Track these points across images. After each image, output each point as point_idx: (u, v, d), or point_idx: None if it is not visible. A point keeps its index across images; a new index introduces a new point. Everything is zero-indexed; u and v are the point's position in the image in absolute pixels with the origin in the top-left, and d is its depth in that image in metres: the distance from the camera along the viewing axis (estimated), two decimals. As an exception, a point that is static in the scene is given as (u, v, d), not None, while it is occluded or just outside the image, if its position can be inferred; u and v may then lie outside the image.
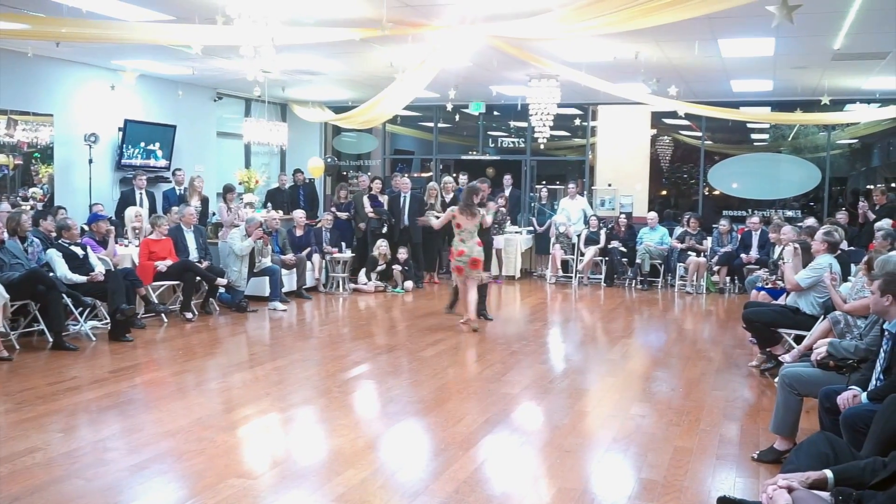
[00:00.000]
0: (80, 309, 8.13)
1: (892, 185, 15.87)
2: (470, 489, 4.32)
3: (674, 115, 13.40)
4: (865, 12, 7.69)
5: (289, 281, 11.24)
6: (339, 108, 15.05)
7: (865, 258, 5.98)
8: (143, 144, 12.58)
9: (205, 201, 12.15)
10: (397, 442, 5.27)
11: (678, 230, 13.20)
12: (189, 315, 9.45)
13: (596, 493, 4.38)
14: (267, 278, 10.54)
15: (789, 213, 14.11)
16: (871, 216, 11.21)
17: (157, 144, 12.80)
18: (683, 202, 16.46)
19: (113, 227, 9.73)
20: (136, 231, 10.26)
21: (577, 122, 15.99)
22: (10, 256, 7.84)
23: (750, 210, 14.47)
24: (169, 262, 9.46)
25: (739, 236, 12.43)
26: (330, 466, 4.67)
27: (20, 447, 4.93)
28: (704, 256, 12.55)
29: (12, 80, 10.73)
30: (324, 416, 5.81)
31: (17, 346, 7.64)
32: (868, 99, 13.30)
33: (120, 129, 12.24)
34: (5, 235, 7.95)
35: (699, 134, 15.19)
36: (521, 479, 4.60)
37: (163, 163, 12.91)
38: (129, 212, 10.44)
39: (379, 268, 12.14)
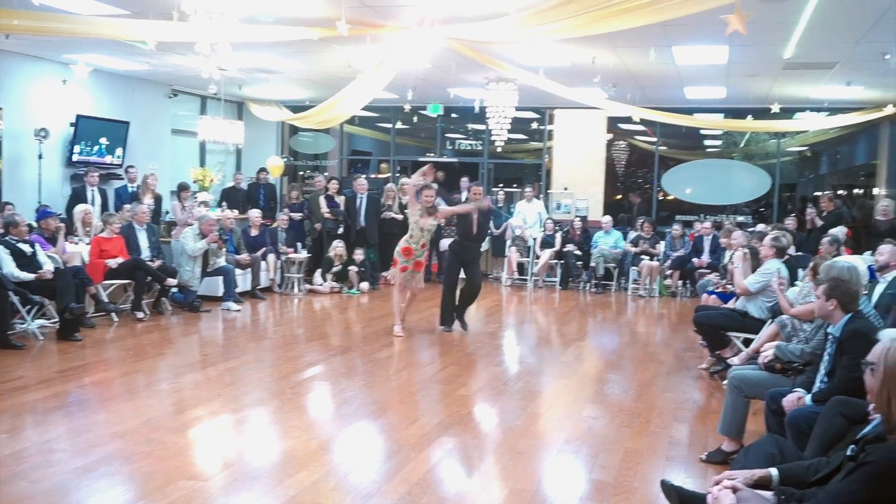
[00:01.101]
0: (28, 307, 7.95)
1: (840, 192, 16.26)
2: (422, 490, 4.32)
3: (629, 120, 13.57)
4: (815, 22, 7.88)
5: (243, 281, 11.13)
6: (297, 108, 14.95)
7: (811, 263, 6.12)
8: (96, 141, 12.35)
9: (158, 199, 11.97)
10: (350, 443, 5.25)
11: (632, 234, 13.37)
12: (140, 315, 9.31)
13: (548, 494, 4.41)
14: (221, 278, 10.43)
15: (740, 219, 14.36)
16: (819, 223, 11.48)
17: (110, 141, 12.56)
18: (639, 206, 16.68)
19: (63, 225, 9.54)
20: (87, 229, 10.07)
21: (535, 125, 16.10)
22: (-46, 253, 7.66)
23: (702, 215, 14.71)
24: (120, 260, 9.31)
25: (692, 241, 12.63)
26: (282, 468, 4.64)
27: (-38, 449, 4.81)
28: (657, 260, 12.72)
29: (-41, 73, 10.47)
30: (276, 418, 5.76)
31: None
32: (817, 108, 13.61)
33: (72, 125, 12.00)
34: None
35: (654, 139, 15.40)
36: (473, 480, 4.62)
37: (115, 160, 12.69)
38: (78, 209, 10.24)
39: (335, 269, 12.08)
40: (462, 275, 9.27)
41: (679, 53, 9.70)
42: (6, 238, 8.23)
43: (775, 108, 12.17)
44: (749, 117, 13.40)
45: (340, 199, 12.91)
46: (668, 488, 3.13)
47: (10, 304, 7.71)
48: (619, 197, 16.72)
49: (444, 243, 12.71)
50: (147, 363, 7.42)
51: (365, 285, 12.13)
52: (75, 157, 12.05)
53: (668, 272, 12.63)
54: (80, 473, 4.41)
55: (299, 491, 4.24)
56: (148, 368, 7.21)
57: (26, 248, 8.26)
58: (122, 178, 12.48)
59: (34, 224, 9.46)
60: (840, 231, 9.90)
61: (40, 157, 11.45)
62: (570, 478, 4.73)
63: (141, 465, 4.57)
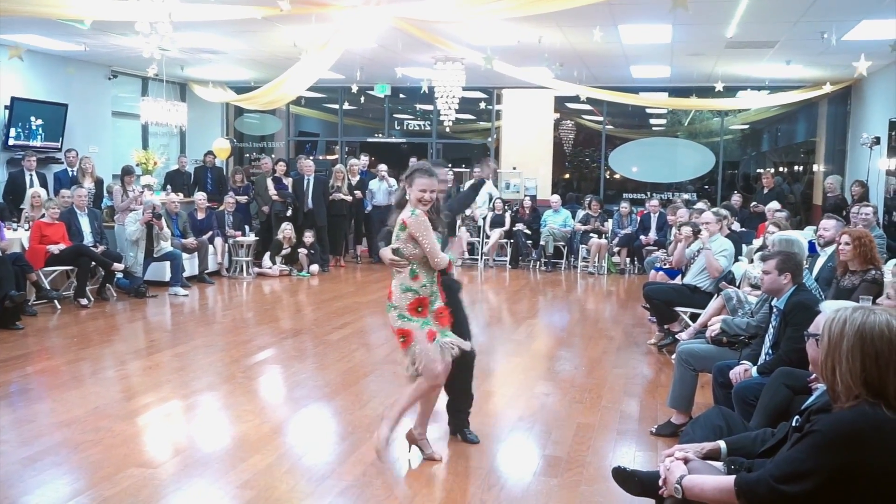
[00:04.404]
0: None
1: (780, 169, 16.63)
2: (377, 471, 4.32)
3: (576, 99, 13.64)
4: (757, 2, 7.99)
5: (190, 265, 10.96)
6: (242, 89, 14.70)
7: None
8: (33, 124, 11.98)
9: (99, 183, 11.69)
10: (304, 426, 5.22)
11: (580, 213, 13.49)
12: (84, 301, 9.10)
13: (502, 471, 4.45)
14: (168, 263, 10.25)
15: (685, 196, 14.59)
16: (761, 207, 11.67)
17: (47, 124, 12.20)
18: (585, 185, 16.86)
19: (1, 210, 9.26)
20: (38, 213, 9.74)
21: (483, 105, 16.10)
22: None
23: (648, 193, 14.91)
24: (62, 247, 9.08)
25: (639, 219, 12.79)
26: (234, 453, 4.59)
27: None
28: (606, 238, 12.87)
29: None
30: (228, 403, 5.69)
31: None
32: (758, 86, 13.85)
33: (6, 108, 11.62)
34: None
35: (601, 119, 15.53)
36: (427, 459, 4.63)
37: (54, 143, 12.33)
38: (30, 193, 9.93)
39: (284, 251, 11.96)
40: None
41: (625, 32, 9.77)
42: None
43: (719, 87, 12.35)
44: (693, 96, 13.57)
45: (288, 182, 12.77)
46: (624, 475, 3.15)
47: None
48: (567, 176, 16.85)
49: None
50: (92, 350, 7.26)
51: (315, 268, 12.03)
52: (11, 142, 11.67)
53: (616, 249, 12.78)
54: (25, 464, 4.31)
55: (252, 475, 4.21)
56: (94, 356, 7.06)
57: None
58: (62, 162, 12.15)
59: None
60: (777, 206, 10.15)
61: (-27, 140, 11.07)
62: (523, 454, 4.77)
63: (89, 454, 4.48)
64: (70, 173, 11.71)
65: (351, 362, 6.89)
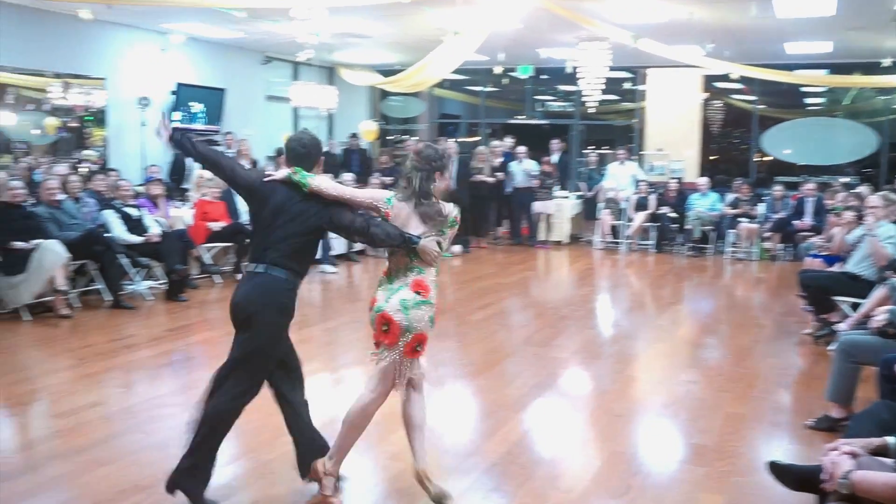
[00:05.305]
0: (137, 269, 8.30)
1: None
2: (521, 451, 4.35)
3: (725, 78, 13.10)
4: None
5: (338, 244, 11.32)
6: (388, 72, 15.00)
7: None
8: (193, 107, 12.70)
9: (253, 164, 12.26)
10: (448, 403, 5.31)
11: (729, 196, 12.98)
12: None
13: (647, 457, 4.39)
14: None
15: (843, 180, 13.74)
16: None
17: (207, 108, 12.89)
18: (734, 167, 16.20)
19: (167, 189, 9.87)
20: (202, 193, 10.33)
21: (628, 85, 15.75)
22: (67, 217, 8.03)
23: (803, 176, 14.15)
24: (223, 224, 9.59)
25: (793, 202, 12.18)
26: (383, 426, 4.71)
27: (82, 402, 5.09)
28: (757, 223, 12.33)
29: (66, 44, 10.88)
30: (375, 377, 5.86)
31: (77, 305, 7.83)
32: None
33: (172, 93, 12.38)
34: (61, 196, 8.14)
35: (752, 98, 14.86)
36: (572, 441, 4.62)
37: (213, 126, 13.03)
38: (195, 173, 10.57)
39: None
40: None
41: (780, 6, 9.27)
42: (114, 203, 8.58)
43: (886, 63, 11.52)
44: (856, 73, 12.73)
45: (431, 163, 12.93)
46: (780, 468, 3.04)
47: (120, 267, 8.07)
48: (715, 158, 16.25)
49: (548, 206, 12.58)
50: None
51: (457, 248, 12.16)
52: (175, 125, 12.42)
53: (768, 234, 12.22)
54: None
55: (401, 448, 4.30)
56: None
57: (133, 212, 8.60)
58: (221, 145, 12.82)
59: (140, 189, 9.81)
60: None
61: (143, 124, 11.86)
62: (669, 441, 4.68)
63: (248, 420, 4.69)
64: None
65: (493, 342, 6.95)
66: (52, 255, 7.33)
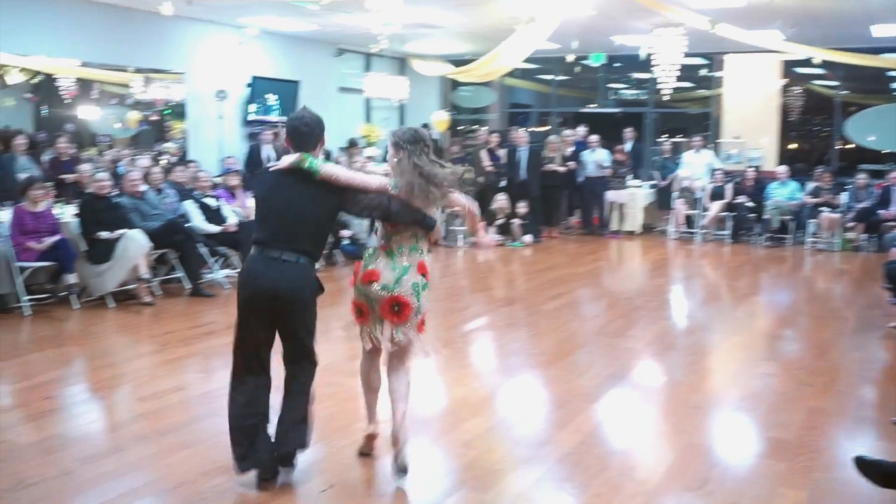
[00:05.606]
0: (215, 258, 8.51)
1: None
2: (595, 441, 4.32)
3: (807, 63, 12.68)
4: None
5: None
6: (458, 62, 15.00)
7: None
8: (269, 100, 12.94)
9: (327, 155, 12.39)
10: (520, 392, 5.31)
11: (810, 185, 12.58)
12: (316, 265, 9.71)
13: (724, 450, 4.31)
14: (388, 231, 10.72)
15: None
16: None
17: (282, 100, 13.11)
18: (815, 155, 15.70)
19: (243, 180, 10.09)
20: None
21: (703, 72, 15.40)
22: (150, 207, 8.29)
23: (891, 163, 13.61)
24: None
25: (878, 191, 11.75)
26: (456, 414, 4.76)
27: (165, 386, 5.25)
28: (839, 212, 11.94)
29: (147, 40, 11.20)
30: (447, 366, 5.89)
31: (159, 292, 8.08)
32: None
33: (248, 86, 12.63)
34: (144, 187, 8.41)
35: (835, 83, 14.36)
36: (646, 433, 4.57)
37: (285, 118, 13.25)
38: (269, 165, 10.80)
39: (497, 222, 12.15)
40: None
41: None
42: (194, 193, 8.81)
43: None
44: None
45: (501, 153, 12.92)
46: (867, 464, 2.95)
47: (200, 256, 8.29)
48: (794, 146, 15.77)
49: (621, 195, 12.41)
50: (324, 311, 7.70)
51: (528, 238, 12.11)
52: (251, 117, 12.68)
53: (851, 224, 11.81)
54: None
55: (474, 436, 4.34)
56: (325, 316, 7.43)
57: (212, 202, 8.82)
58: (294, 136, 13.02)
59: (218, 180, 10.05)
60: None
61: (220, 117, 12.14)
62: (747, 435, 4.58)
63: (322, 407, 4.79)
64: (301, 146, 12.53)
65: (565, 332, 6.91)
66: (135, 245, 7.58)
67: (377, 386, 4.05)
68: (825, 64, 12.83)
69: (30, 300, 7.20)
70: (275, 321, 3.78)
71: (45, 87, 10.68)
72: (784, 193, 12.41)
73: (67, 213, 8.02)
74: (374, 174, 3.95)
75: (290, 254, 3.70)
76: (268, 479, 3.72)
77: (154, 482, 3.79)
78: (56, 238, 7.36)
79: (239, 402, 3.78)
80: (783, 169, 12.72)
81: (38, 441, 4.29)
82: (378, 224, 3.88)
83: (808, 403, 4.99)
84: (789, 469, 3.97)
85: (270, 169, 3.76)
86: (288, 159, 3.69)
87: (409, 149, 3.70)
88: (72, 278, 7.37)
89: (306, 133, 3.72)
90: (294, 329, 3.81)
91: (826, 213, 11.86)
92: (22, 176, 8.17)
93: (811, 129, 16.20)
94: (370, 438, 4.05)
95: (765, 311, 8.32)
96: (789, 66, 14.46)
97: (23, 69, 10.33)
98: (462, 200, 3.84)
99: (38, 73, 10.52)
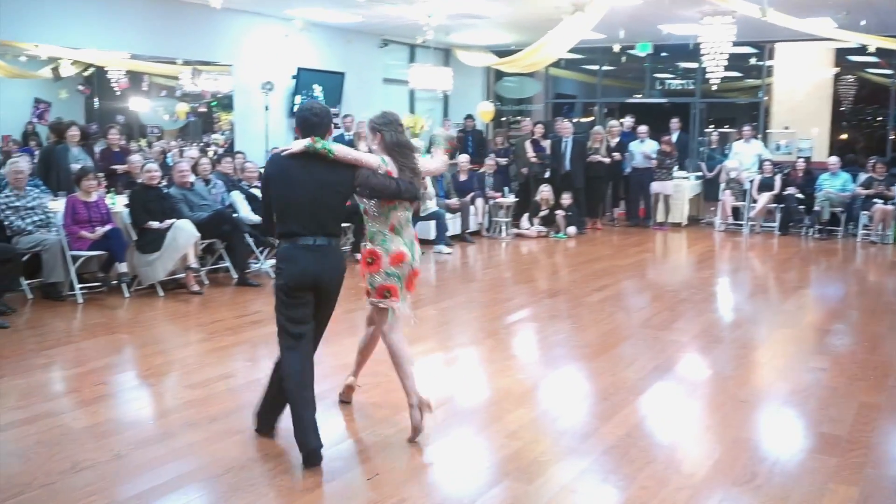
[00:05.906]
0: (261, 248, 8.61)
1: None
2: (640, 434, 4.29)
3: (860, 51, 12.37)
4: None
5: (453, 225, 11.41)
6: (503, 53, 14.92)
7: None
8: (313, 91, 13.03)
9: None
10: (564, 384, 5.29)
11: (862, 176, 12.30)
12: (358, 256, 9.78)
13: (773, 445, 4.25)
14: (433, 222, 10.75)
15: None
16: None
17: (327, 91, 13.19)
18: (868, 146, 15.33)
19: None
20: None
21: (752, 61, 15.12)
22: (198, 198, 8.40)
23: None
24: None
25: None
26: (500, 404, 4.76)
27: (213, 374, 5.34)
28: (892, 204, 11.65)
29: (195, 33, 11.34)
30: (490, 357, 5.90)
31: (207, 282, 8.20)
32: None
33: (294, 77, 12.73)
34: (193, 178, 8.53)
35: (889, 72, 14.00)
36: (692, 426, 4.52)
37: (333, 109, 13.32)
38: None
39: (542, 213, 12.09)
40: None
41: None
42: (241, 184, 8.92)
43: None
44: None
45: (546, 144, 12.85)
46: None
47: (247, 246, 8.39)
48: (846, 136, 15.41)
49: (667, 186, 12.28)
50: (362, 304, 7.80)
51: (572, 229, 12.04)
52: (296, 108, 12.76)
53: (905, 217, 11.54)
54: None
55: (519, 427, 4.34)
56: (367, 307, 7.58)
57: (258, 193, 8.91)
58: (339, 127, 13.10)
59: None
60: None
61: (266, 108, 12.25)
62: (796, 429, 4.51)
63: (368, 395, 4.86)
64: (346, 137, 12.61)
65: (609, 325, 6.86)
66: (184, 235, 7.70)
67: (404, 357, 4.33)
68: (879, 52, 12.51)
69: (82, 289, 7.38)
70: (314, 304, 4.04)
71: (96, 80, 10.91)
72: (835, 185, 12.16)
73: (118, 204, 8.18)
74: (371, 155, 4.14)
75: (322, 238, 3.89)
76: (315, 463, 3.79)
77: (202, 468, 3.85)
78: (108, 228, 7.53)
79: (295, 368, 3.97)
80: (834, 160, 12.46)
81: (91, 426, 4.39)
82: (371, 203, 4.12)
83: (859, 398, 4.89)
84: (840, 465, 3.90)
85: (283, 154, 3.88)
86: (300, 143, 3.83)
87: (384, 130, 4.16)
88: (123, 267, 7.53)
89: (316, 123, 3.88)
90: (327, 313, 4.16)
91: (879, 205, 11.59)
92: (75, 167, 8.35)
93: (864, 118, 15.80)
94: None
95: (814, 304, 8.17)
96: (842, 55, 14.12)
97: (75, 62, 10.57)
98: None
99: (89, 65, 10.76)
